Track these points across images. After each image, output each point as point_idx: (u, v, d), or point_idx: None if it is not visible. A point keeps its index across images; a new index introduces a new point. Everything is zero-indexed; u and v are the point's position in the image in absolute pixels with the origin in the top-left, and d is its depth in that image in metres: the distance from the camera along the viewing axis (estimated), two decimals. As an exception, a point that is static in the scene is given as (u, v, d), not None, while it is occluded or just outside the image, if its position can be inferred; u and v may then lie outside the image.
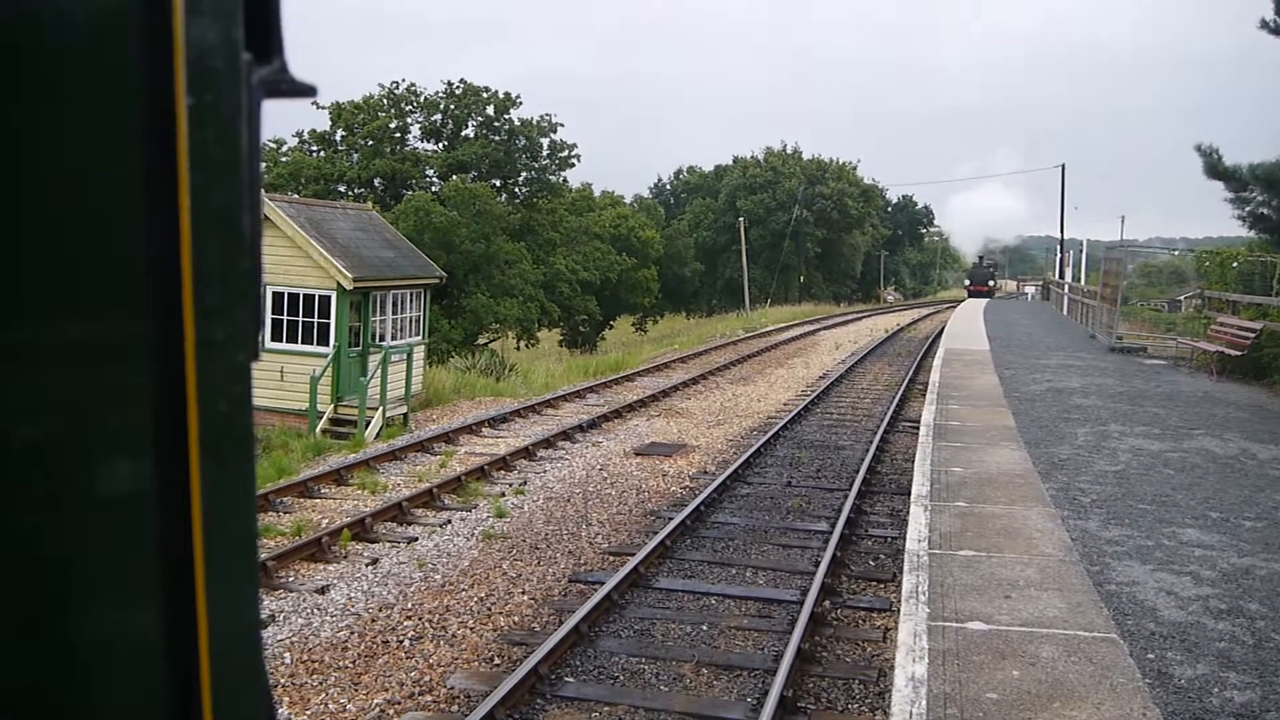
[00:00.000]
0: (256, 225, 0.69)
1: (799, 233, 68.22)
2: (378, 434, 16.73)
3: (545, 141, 43.83)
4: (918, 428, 12.66)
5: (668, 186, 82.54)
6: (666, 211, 67.98)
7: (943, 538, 7.01)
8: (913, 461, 10.54)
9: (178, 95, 0.62)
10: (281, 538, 9.96)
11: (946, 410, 12.58)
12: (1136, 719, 4.35)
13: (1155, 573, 6.38)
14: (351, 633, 7.68)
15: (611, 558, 9.61)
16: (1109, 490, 8.56)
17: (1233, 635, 5.37)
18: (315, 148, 41.87)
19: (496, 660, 7.23)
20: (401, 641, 7.53)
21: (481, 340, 38.69)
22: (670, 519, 10.56)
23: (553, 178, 45.14)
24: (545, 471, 13.24)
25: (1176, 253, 60.99)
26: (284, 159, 40.35)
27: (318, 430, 16.56)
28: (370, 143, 41.15)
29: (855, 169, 75.64)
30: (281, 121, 41.20)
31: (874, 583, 9.01)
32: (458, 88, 42.70)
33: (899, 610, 5.98)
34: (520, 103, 43.20)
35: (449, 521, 10.80)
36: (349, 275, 17.35)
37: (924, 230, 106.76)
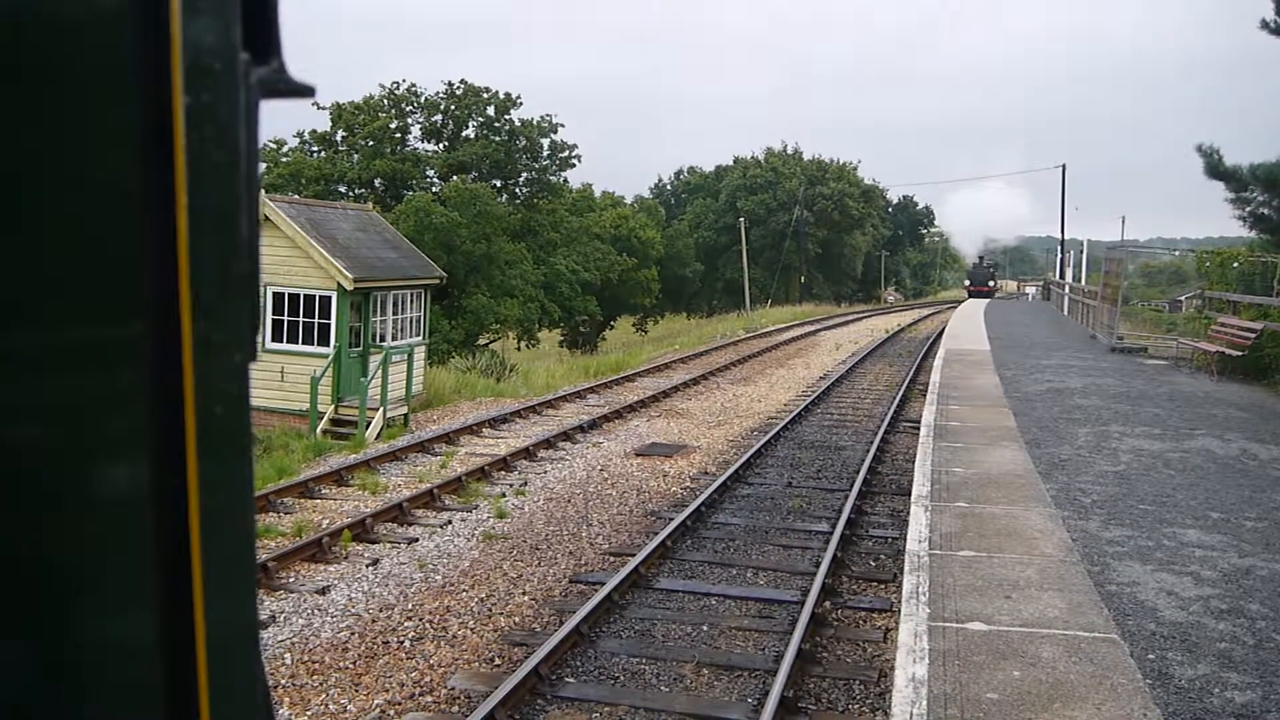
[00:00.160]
0: (254, 225, 0.69)
1: (799, 233, 68.26)
2: (378, 434, 16.73)
3: (546, 142, 43.87)
4: (918, 428, 12.66)
5: (668, 187, 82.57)
6: (667, 212, 67.98)
7: (943, 538, 7.00)
8: (913, 462, 10.53)
9: (175, 95, 0.62)
10: (282, 538, 9.97)
11: (947, 410, 12.57)
12: (1137, 719, 4.35)
13: (1156, 573, 6.38)
14: (352, 633, 7.68)
15: (612, 558, 9.61)
16: (1110, 490, 8.55)
17: (1233, 635, 5.37)
18: (316, 148, 41.89)
19: (497, 661, 7.23)
20: (402, 642, 7.53)
21: (482, 341, 38.70)
22: (671, 519, 10.56)
23: (553, 178, 45.15)
24: (546, 472, 13.24)
25: (1177, 253, 60.93)
26: (285, 159, 40.35)
27: (318, 431, 16.55)
28: (371, 143, 41.17)
29: (856, 169, 75.72)
30: (282, 122, 41.32)
31: (874, 583, 9.01)
32: (458, 88, 42.70)
33: (899, 611, 5.97)
34: (520, 103, 43.27)
35: (449, 522, 10.80)
36: (349, 276, 17.34)
37: (924, 230, 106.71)
